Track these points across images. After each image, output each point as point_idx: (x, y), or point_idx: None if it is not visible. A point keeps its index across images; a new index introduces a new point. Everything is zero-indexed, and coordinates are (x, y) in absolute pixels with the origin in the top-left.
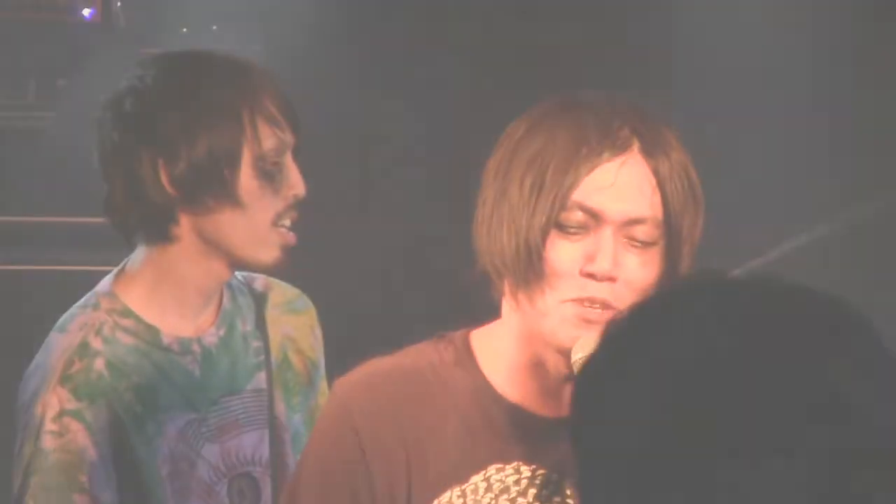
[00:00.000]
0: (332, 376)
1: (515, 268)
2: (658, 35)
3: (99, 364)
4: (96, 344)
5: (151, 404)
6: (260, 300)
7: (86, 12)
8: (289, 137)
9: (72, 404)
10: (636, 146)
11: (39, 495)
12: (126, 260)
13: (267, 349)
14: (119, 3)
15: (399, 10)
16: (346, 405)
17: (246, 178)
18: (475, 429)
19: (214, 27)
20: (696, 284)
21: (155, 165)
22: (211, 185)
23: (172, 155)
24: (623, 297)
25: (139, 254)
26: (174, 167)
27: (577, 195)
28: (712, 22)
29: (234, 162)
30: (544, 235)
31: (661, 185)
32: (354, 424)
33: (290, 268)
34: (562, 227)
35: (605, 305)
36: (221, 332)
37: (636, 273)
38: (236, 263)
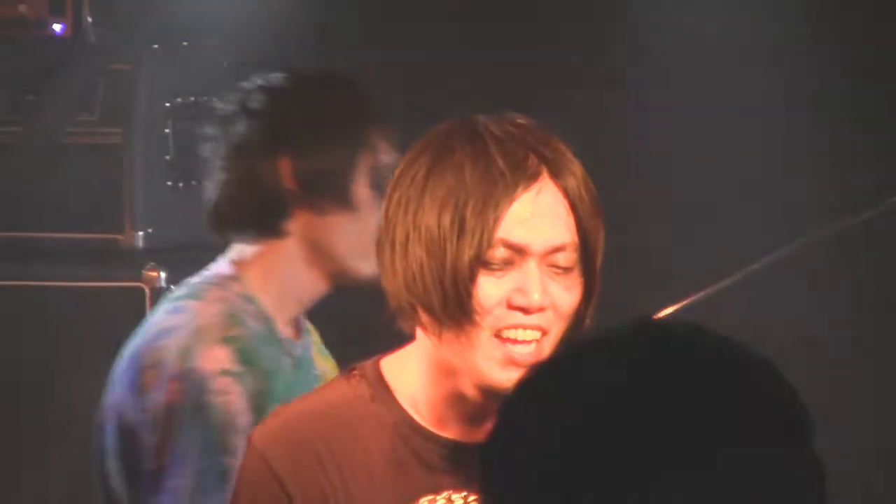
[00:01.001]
0: None
1: (442, 307)
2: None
3: (248, 336)
4: (242, 316)
5: (271, 389)
6: (310, 335)
7: (56, 28)
8: (396, 160)
9: (234, 366)
10: (545, 172)
11: (203, 453)
12: (229, 250)
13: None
14: (90, 19)
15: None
16: (264, 454)
17: (361, 187)
18: (401, 462)
19: (185, 43)
20: (610, 335)
21: (278, 160)
22: (329, 187)
23: (297, 152)
24: (552, 322)
25: (247, 250)
26: (298, 164)
27: (500, 232)
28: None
29: (353, 169)
30: (472, 274)
31: (573, 206)
32: (275, 472)
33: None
34: (487, 265)
35: (540, 332)
36: (298, 351)
37: (562, 298)
38: (338, 274)
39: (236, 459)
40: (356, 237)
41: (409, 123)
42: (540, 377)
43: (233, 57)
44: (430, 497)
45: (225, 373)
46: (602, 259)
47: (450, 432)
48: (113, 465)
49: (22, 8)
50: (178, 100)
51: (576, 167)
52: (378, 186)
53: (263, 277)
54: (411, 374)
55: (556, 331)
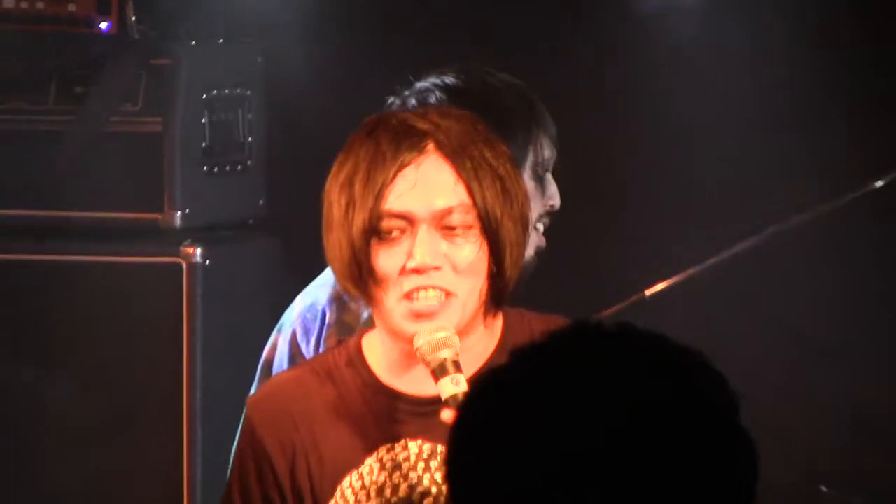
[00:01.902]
0: None
1: (354, 279)
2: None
3: None
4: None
5: None
6: None
7: (103, 25)
8: (555, 154)
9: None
10: (431, 145)
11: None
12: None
13: None
14: (133, 18)
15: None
16: (250, 418)
17: (526, 179)
18: (363, 417)
19: (220, 41)
20: (553, 342)
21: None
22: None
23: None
24: (452, 279)
25: None
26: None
27: (386, 204)
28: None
29: (521, 161)
30: (367, 247)
31: (461, 175)
32: (257, 434)
33: None
34: (381, 236)
35: (439, 292)
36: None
37: (458, 255)
38: None
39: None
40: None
41: None
42: (484, 389)
43: (264, 53)
44: (388, 445)
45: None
46: (516, 227)
47: (407, 388)
48: None
49: (71, 7)
50: (214, 92)
51: (473, 144)
52: (539, 178)
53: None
54: (378, 341)
55: (464, 291)
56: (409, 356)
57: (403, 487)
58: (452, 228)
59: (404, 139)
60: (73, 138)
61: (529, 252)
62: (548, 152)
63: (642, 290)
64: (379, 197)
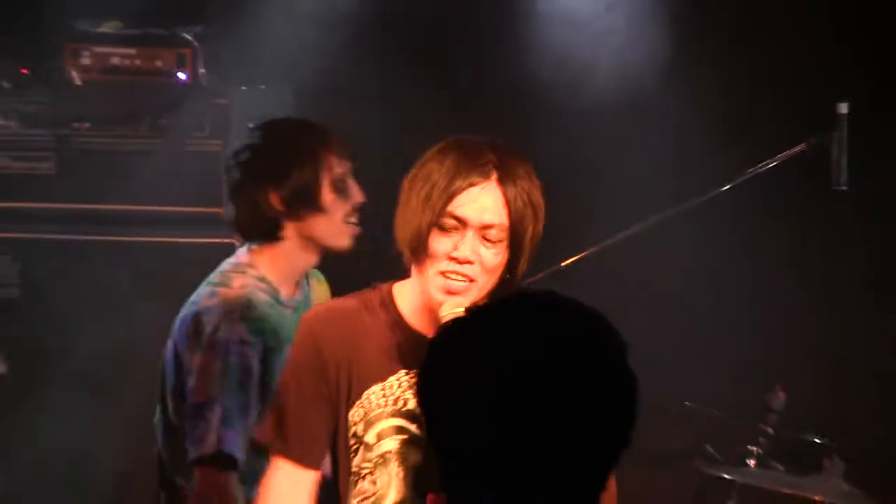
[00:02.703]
0: None
1: (413, 250)
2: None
3: (260, 313)
4: (256, 299)
5: (277, 338)
6: (307, 284)
7: (181, 76)
8: (348, 165)
9: (249, 338)
10: (494, 176)
11: (228, 394)
12: (244, 244)
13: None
14: (202, 70)
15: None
16: (312, 328)
17: (327, 194)
18: (391, 347)
19: (263, 87)
20: (504, 305)
21: (266, 193)
22: (304, 203)
23: (277, 185)
24: (478, 272)
25: (256, 244)
26: (280, 193)
27: (451, 207)
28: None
29: (318, 186)
30: (428, 231)
31: (508, 204)
32: (317, 342)
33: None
34: (440, 227)
35: (467, 279)
36: (300, 295)
37: (487, 258)
38: (323, 250)
39: (252, 398)
40: (331, 227)
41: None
42: (452, 331)
43: (294, 94)
44: (408, 370)
45: (243, 343)
46: (533, 243)
47: (426, 330)
48: (169, 393)
49: (159, 63)
50: (257, 122)
51: (522, 180)
52: (339, 190)
53: (272, 263)
54: (409, 291)
55: (483, 281)
56: (432, 310)
57: (412, 403)
58: (489, 238)
59: (477, 165)
60: (160, 155)
61: (348, 240)
62: (338, 170)
63: (559, 263)
64: (448, 201)
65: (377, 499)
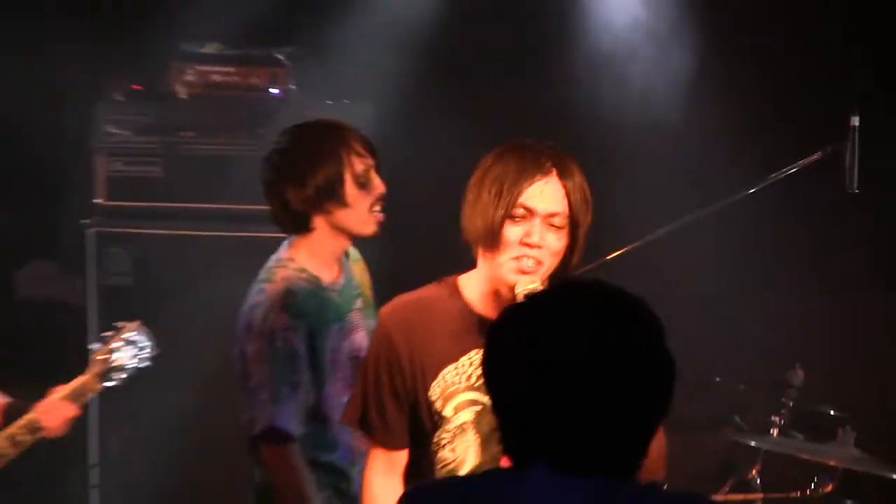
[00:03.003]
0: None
1: (486, 240)
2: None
3: (301, 300)
4: (296, 288)
5: (322, 320)
6: (348, 265)
7: (274, 91)
8: (371, 161)
9: (292, 323)
10: (554, 172)
11: (277, 376)
12: (286, 239)
13: (359, 286)
14: (293, 87)
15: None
16: (386, 323)
17: (350, 189)
18: (460, 331)
19: (346, 101)
20: (557, 290)
21: (294, 191)
22: (330, 199)
23: (303, 184)
24: (545, 255)
25: (295, 239)
26: (306, 190)
27: (521, 199)
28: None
29: (341, 182)
30: (502, 222)
31: (568, 195)
32: (391, 335)
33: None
34: (511, 217)
35: (536, 261)
36: (342, 279)
37: (553, 243)
38: (352, 237)
39: (301, 377)
40: (356, 217)
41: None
42: (512, 310)
43: (374, 109)
44: (478, 349)
45: (286, 329)
46: (586, 230)
47: (490, 314)
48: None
49: (253, 80)
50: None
51: (577, 177)
52: (361, 184)
53: (308, 254)
54: (474, 281)
55: (549, 264)
56: (497, 295)
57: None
58: (554, 225)
59: (540, 163)
60: (256, 160)
61: (374, 227)
62: (359, 167)
63: (606, 255)
64: (518, 194)
65: (457, 465)
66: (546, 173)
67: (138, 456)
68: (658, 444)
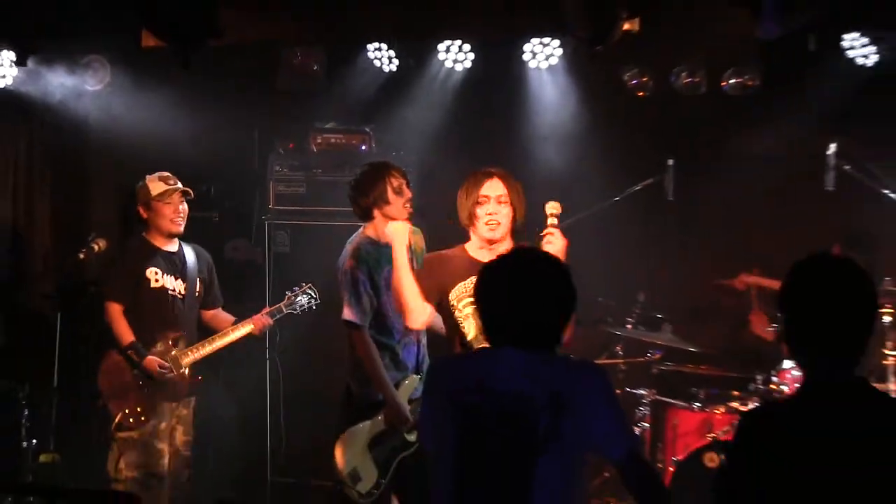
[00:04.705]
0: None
1: (468, 219)
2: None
3: (363, 253)
4: (360, 247)
5: (377, 263)
6: (399, 234)
7: (363, 147)
8: (402, 180)
9: (357, 265)
10: (496, 177)
11: (350, 293)
12: (362, 225)
13: (412, 245)
14: (374, 145)
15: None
16: (429, 263)
17: (391, 196)
18: (466, 269)
19: (402, 152)
20: (518, 254)
21: (362, 199)
22: (379, 202)
23: (366, 195)
24: (501, 219)
25: (366, 223)
26: (369, 199)
27: (482, 192)
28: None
29: (385, 193)
30: (474, 206)
31: (506, 186)
32: (431, 269)
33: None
34: (478, 202)
35: (497, 223)
36: (389, 245)
37: (504, 213)
38: (394, 220)
39: (362, 293)
40: (395, 210)
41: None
42: (489, 263)
43: (418, 157)
44: (472, 277)
45: (353, 267)
46: (521, 210)
47: (480, 260)
48: None
49: (353, 141)
50: (360, 165)
51: (511, 178)
52: (397, 193)
53: (372, 229)
54: (471, 245)
55: (504, 223)
56: (482, 249)
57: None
58: (501, 202)
59: (488, 174)
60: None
61: (405, 215)
62: (396, 182)
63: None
64: (478, 190)
65: (467, 333)
66: (491, 178)
67: (298, 342)
68: (568, 333)
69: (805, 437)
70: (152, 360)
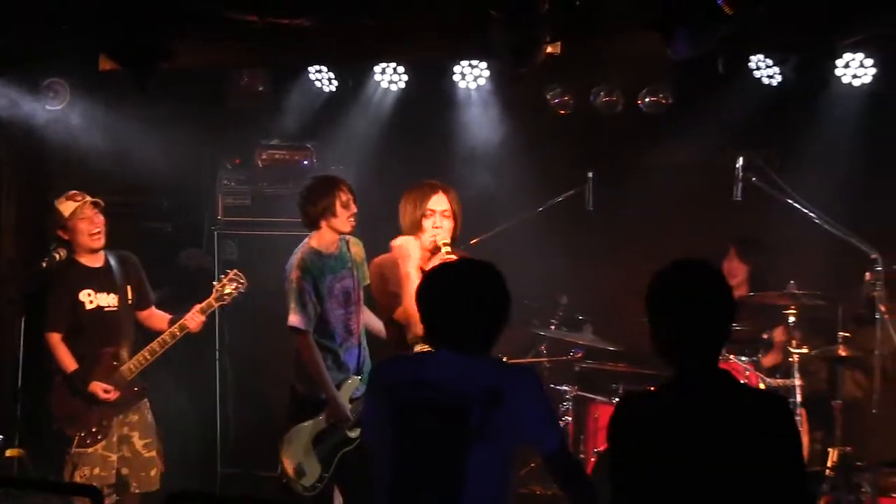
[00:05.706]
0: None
1: (412, 229)
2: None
3: (308, 264)
4: (306, 257)
5: (321, 273)
6: (344, 244)
7: (306, 162)
8: (349, 195)
9: (302, 275)
10: (440, 191)
11: (296, 302)
12: (308, 234)
13: (352, 255)
14: (315, 160)
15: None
16: (378, 266)
17: (338, 208)
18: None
19: (341, 167)
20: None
21: (311, 209)
22: (327, 213)
23: (315, 205)
24: (445, 232)
25: (312, 232)
26: (317, 209)
27: (428, 206)
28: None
29: (333, 205)
30: (420, 218)
31: (449, 201)
32: (381, 273)
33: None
34: (425, 215)
35: (444, 231)
36: (337, 252)
37: (446, 224)
38: (340, 232)
39: (308, 302)
40: (341, 223)
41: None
42: (441, 267)
43: (357, 168)
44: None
45: (299, 277)
46: (460, 218)
47: (424, 267)
48: None
49: (296, 157)
50: (308, 178)
51: (452, 192)
52: (345, 206)
53: (317, 240)
54: (414, 243)
55: (448, 236)
56: (426, 255)
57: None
58: (445, 217)
59: (434, 188)
60: (296, 195)
61: (350, 228)
62: (344, 197)
63: (470, 241)
64: (425, 204)
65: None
66: (437, 192)
67: (245, 342)
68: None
69: (663, 420)
70: (96, 386)
